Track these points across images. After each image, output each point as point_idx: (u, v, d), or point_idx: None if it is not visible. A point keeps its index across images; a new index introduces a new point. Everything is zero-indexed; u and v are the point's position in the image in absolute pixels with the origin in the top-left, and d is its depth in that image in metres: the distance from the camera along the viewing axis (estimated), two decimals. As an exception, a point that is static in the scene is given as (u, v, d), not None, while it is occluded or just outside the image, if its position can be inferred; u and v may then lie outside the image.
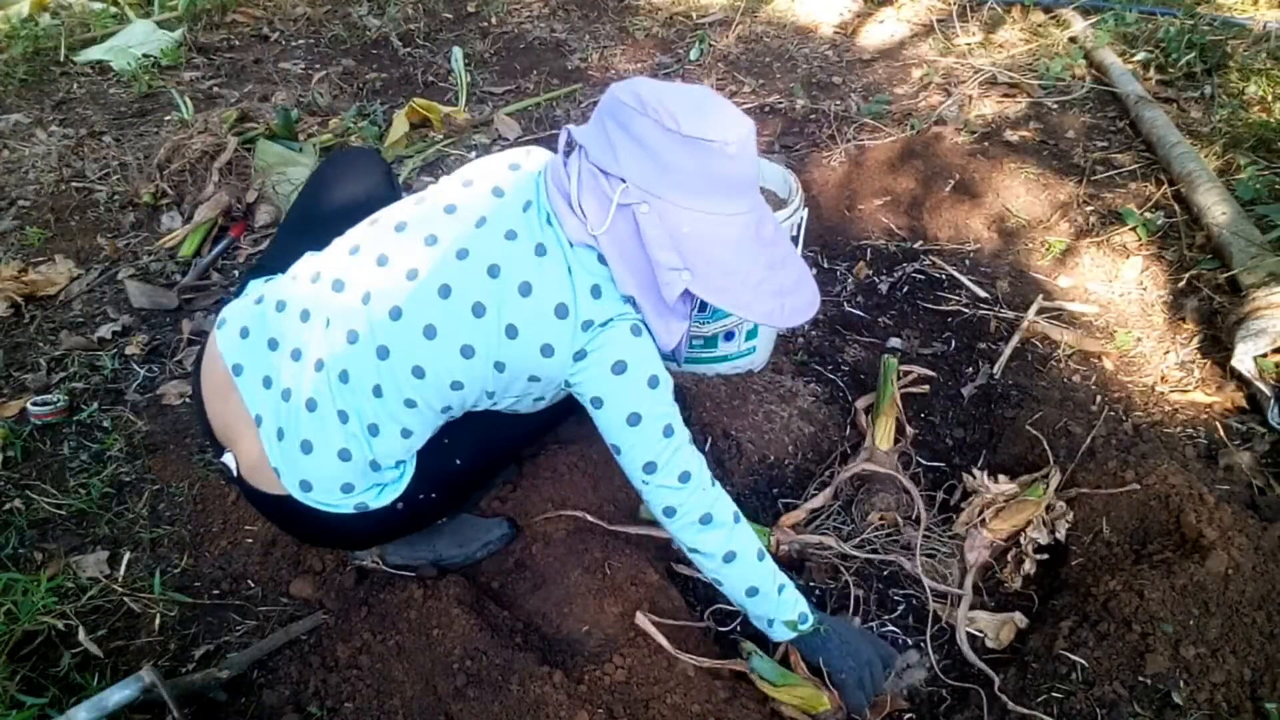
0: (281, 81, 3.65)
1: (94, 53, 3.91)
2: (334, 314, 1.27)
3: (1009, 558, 1.64)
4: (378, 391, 1.26)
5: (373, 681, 1.41)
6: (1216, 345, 2.06)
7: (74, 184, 2.91)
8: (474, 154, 3.10)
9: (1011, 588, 1.63)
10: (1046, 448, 1.80)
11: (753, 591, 1.36)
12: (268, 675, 1.45)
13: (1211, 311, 2.16)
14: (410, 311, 1.24)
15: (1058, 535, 1.62)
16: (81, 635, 1.47)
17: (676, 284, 1.19)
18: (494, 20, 4.26)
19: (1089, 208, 2.63)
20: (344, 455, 1.29)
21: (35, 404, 1.97)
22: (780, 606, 1.38)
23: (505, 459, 1.63)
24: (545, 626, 1.54)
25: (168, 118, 3.33)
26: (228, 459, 1.38)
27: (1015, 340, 2.13)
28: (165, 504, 1.78)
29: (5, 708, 1.33)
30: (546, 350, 1.23)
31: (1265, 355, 1.90)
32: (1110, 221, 2.57)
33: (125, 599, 1.57)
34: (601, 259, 1.23)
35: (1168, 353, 2.11)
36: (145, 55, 3.81)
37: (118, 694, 1.30)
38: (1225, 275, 2.22)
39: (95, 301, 2.41)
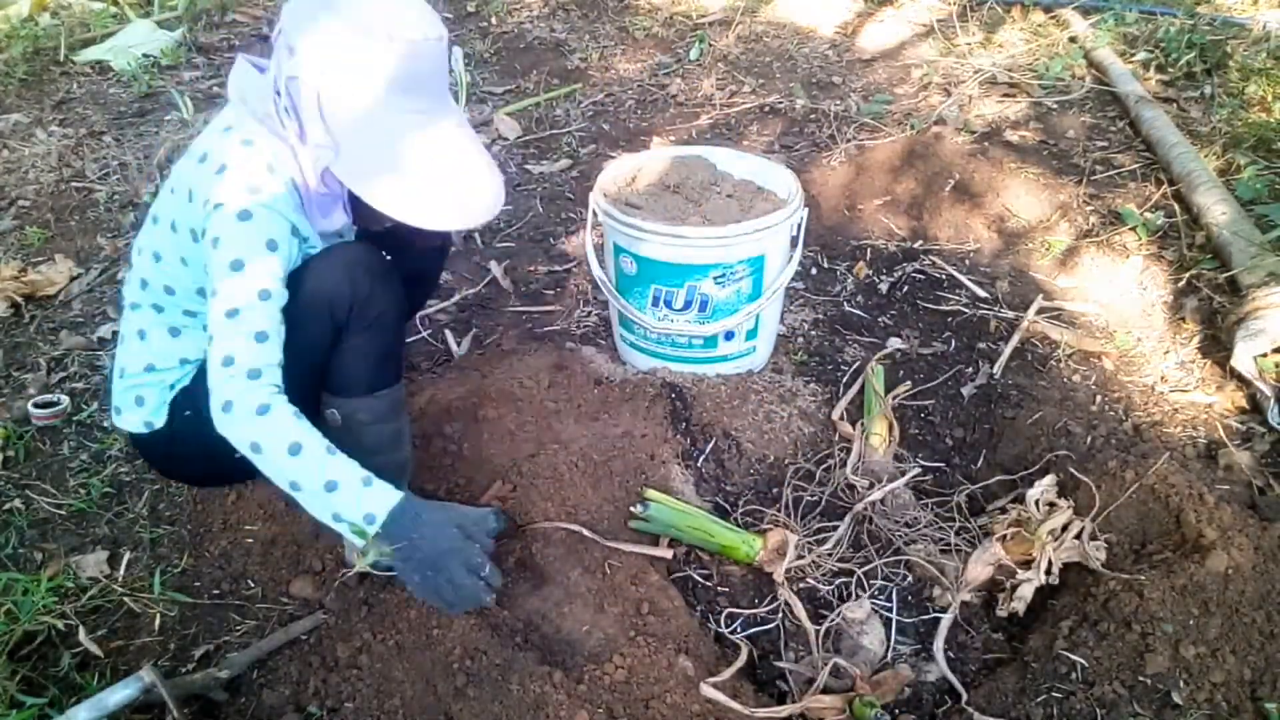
0: (281, 81, 3.65)
1: (94, 53, 3.91)
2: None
3: (1008, 583, 1.58)
4: (143, 285, 1.46)
5: (373, 681, 1.41)
6: (1216, 345, 2.06)
7: (74, 184, 2.91)
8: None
9: (1002, 612, 1.57)
10: (1055, 455, 1.80)
11: (295, 486, 1.24)
12: (268, 675, 1.45)
13: (1211, 311, 2.16)
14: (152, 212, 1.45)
15: (1052, 579, 1.55)
16: (81, 635, 1.47)
17: (320, 160, 1.26)
18: (494, 20, 4.26)
19: (1089, 208, 2.63)
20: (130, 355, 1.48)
21: (36, 405, 1.97)
22: (334, 503, 1.24)
23: None
24: (545, 626, 1.53)
25: (168, 118, 3.33)
26: None
27: (1015, 340, 2.13)
28: (165, 504, 1.78)
29: (5, 708, 1.33)
30: (190, 196, 1.32)
31: (1265, 355, 1.90)
32: (1110, 222, 2.57)
33: (125, 599, 1.57)
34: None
35: (1168, 353, 2.11)
36: (145, 55, 3.81)
37: (118, 694, 1.30)
38: (1225, 275, 2.22)
39: (95, 301, 2.41)
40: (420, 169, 1.27)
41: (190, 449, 1.51)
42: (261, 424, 1.23)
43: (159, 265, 1.43)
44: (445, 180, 1.29)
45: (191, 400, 1.45)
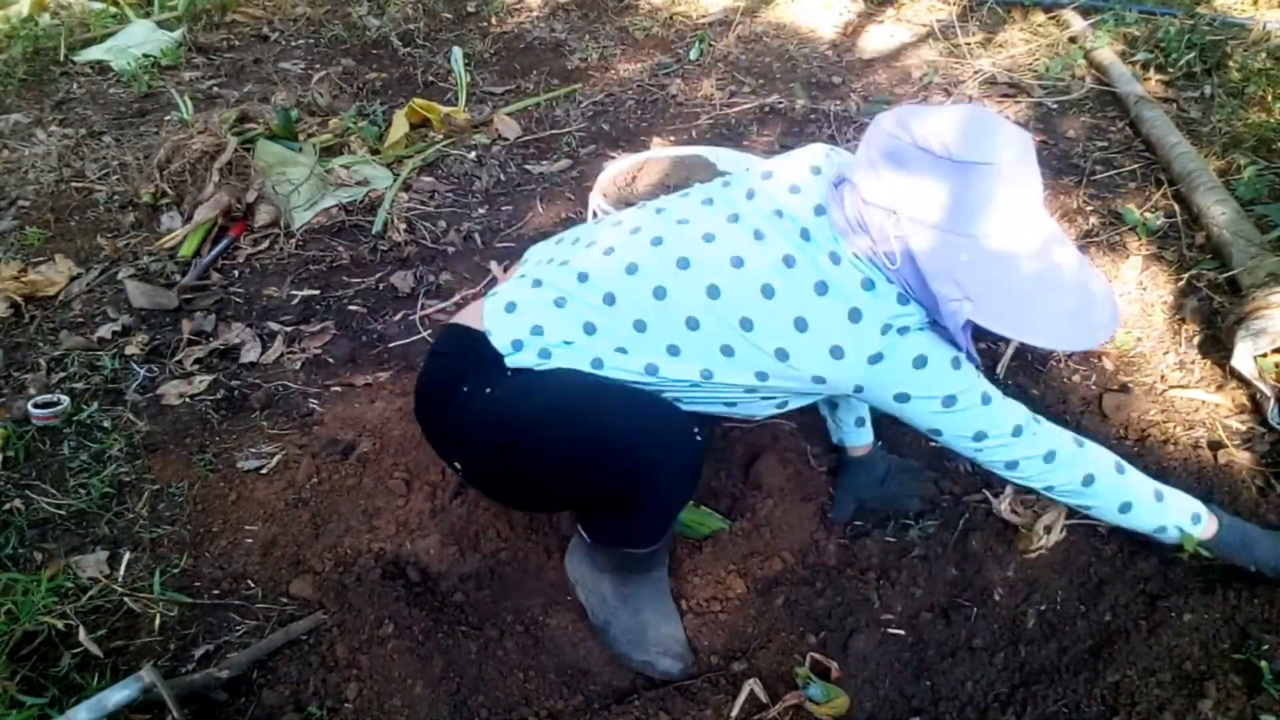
0: (281, 81, 3.65)
1: (94, 53, 3.91)
2: (615, 287, 1.31)
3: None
4: (641, 327, 1.29)
5: (373, 682, 1.41)
6: (1216, 345, 2.06)
7: (74, 184, 2.91)
8: (473, 154, 3.11)
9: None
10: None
11: (1126, 508, 1.38)
12: (268, 675, 1.45)
13: (1211, 311, 2.16)
14: (697, 266, 1.27)
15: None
16: (81, 635, 1.47)
17: (960, 314, 1.17)
18: (494, 20, 4.26)
19: (1089, 208, 2.63)
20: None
21: (36, 405, 1.96)
22: (1165, 513, 1.40)
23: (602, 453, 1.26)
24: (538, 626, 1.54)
25: (168, 118, 3.33)
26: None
27: (1015, 340, 2.13)
28: (165, 504, 1.78)
29: (5, 708, 1.33)
30: (836, 352, 1.22)
31: (1265, 355, 1.90)
32: (1110, 222, 2.57)
33: (125, 599, 1.57)
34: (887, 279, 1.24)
35: (1167, 353, 2.11)
36: (145, 55, 3.81)
37: (118, 694, 1.30)
38: (1225, 275, 2.22)
39: (95, 301, 2.41)
40: (1053, 297, 1.19)
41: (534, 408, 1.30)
42: (1049, 469, 1.34)
43: (694, 334, 1.27)
44: (1071, 302, 1.20)
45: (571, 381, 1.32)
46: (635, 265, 1.31)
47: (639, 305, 1.29)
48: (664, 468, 1.25)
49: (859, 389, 1.26)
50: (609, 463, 1.23)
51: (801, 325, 1.22)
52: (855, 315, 1.21)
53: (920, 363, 1.23)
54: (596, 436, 1.24)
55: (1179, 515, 1.41)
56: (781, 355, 1.24)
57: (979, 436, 1.29)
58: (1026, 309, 1.17)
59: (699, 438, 1.28)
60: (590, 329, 1.31)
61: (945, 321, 1.18)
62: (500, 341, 1.33)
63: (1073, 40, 3.69)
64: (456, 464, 1.42)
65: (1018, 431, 1.30)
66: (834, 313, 1.22)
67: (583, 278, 1.34)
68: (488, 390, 1.31)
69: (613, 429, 1.24)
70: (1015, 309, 1.17)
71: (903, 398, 1.26)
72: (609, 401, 1.28)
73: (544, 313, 1.34)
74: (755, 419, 1.47)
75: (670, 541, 1.52)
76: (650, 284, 1.28)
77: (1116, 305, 1.23)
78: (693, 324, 1.26)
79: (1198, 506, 1.43)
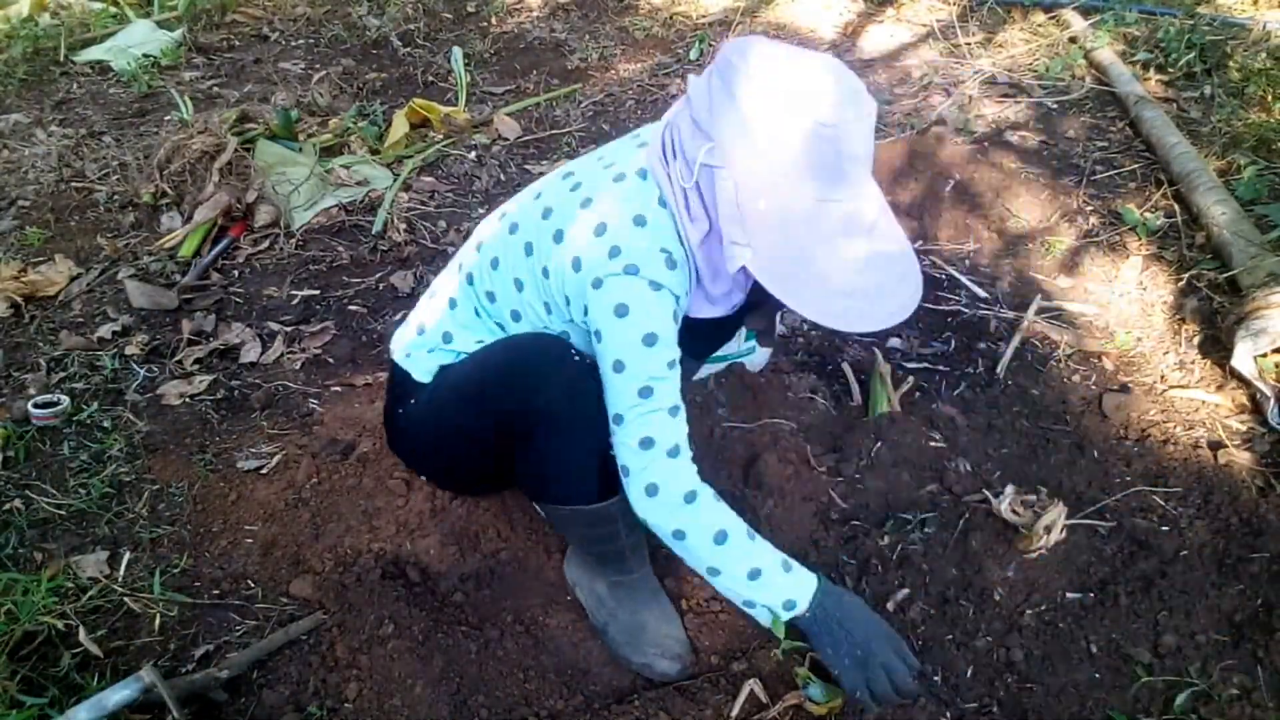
0: (281, 81, 3.65)
1: (94, 53, 3.91)
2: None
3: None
4: (470, 280, 1.43)
5: (373, 682, 1.41)
6: (1216, 345, 2.06)
7: (74, 184, 2.91)
8: (473, 154, 3.10)
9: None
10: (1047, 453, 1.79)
11: (713, 571, 1.29)
12: (268, 675, 1.45)
13: (1211, 311, 2.16)
14: (510, 214, 1.41)
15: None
16: (81, 635, 1.47)
17: (736, 258, 1.15)
18: (494, 20, 4.26)
19: (1089, 208, 2.63)
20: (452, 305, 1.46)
21: (36, 405, 1.96)
22: (754, 590, 1.28)
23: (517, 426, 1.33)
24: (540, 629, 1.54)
25: (168, 118, 3.33)
26: None
27: (1015, 340, 2.13)
28: (165, 504, 1.78)
29: (5, 708, 1.33)
30: (576, 264, 1.23)
31: (1265, 355, 1.90)
32: (1110, 222, 2.57)
33: (125, 599, 1.57)
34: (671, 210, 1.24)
35: (1167, 353, 2.11)
36: (145, 55, 3.81)
37: (118, 694, 1.30)
38: (1225, 275, 2.22)
39: (95, 301, 2.41)
40: (842, 271, 1.16)
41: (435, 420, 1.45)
42: (688, 511, 1.25)
43: (495, 273, 1.38)
44: (867, 282, 1.17)
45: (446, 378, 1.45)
46: (481, 244, 1.44)
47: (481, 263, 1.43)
48: (545, 377, 1.28)
49: (586, 309, 1.25)
50: (502, 394, 1.32)
51: (559, 237, 1.27)
52: (600, 229, 1.22)
53: (621, 311, 1.20)
54: (486, 377, 1.36)
55: (771, 599, 1.28)
56: (545, 273, 1.30)
57: (617, 419, 1.25)
58: (804, 276, 1.15)
59: (577, 356, 1.31)
60: (452, 304, 1.46)
61: (725, 264, 1.18)
62: (397, 355, 1.49)
63: (1073, 40, 3.68)
64: (426, 477, 1.58)
65: (646, 444, 1.22)
66: (586, 224, 1.24)
67: (462, 267, 1.48)
68: (412, 402, 1.45)
69: (494, 365, 1.36)
70: (794, 272, 1.15)
71: (598, 336, 1.24)
72: (491, 348, 1.40)
73: (426, 313, 1.50)
74: None
75: (642, 535, 1.46)
76: (476, 238, 1.45)
77: (910, 295, 1.19)
78: (495, 264, 1.38)
79: (795, 594, 1.28)
